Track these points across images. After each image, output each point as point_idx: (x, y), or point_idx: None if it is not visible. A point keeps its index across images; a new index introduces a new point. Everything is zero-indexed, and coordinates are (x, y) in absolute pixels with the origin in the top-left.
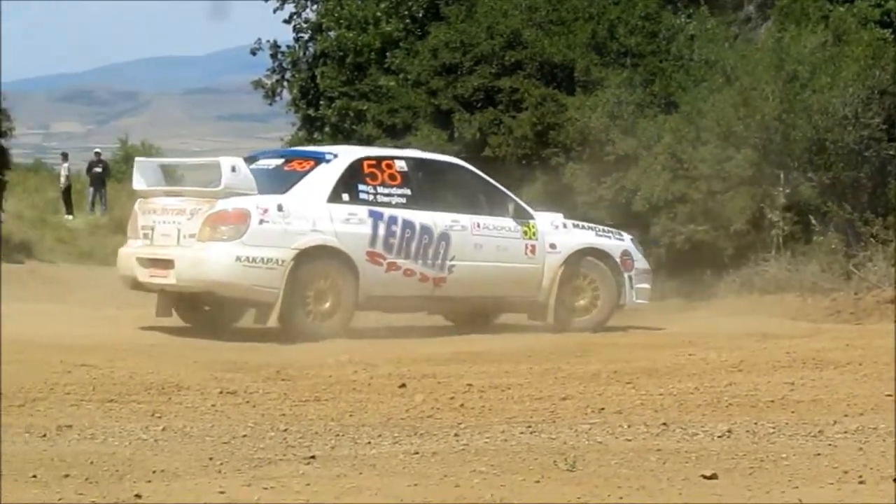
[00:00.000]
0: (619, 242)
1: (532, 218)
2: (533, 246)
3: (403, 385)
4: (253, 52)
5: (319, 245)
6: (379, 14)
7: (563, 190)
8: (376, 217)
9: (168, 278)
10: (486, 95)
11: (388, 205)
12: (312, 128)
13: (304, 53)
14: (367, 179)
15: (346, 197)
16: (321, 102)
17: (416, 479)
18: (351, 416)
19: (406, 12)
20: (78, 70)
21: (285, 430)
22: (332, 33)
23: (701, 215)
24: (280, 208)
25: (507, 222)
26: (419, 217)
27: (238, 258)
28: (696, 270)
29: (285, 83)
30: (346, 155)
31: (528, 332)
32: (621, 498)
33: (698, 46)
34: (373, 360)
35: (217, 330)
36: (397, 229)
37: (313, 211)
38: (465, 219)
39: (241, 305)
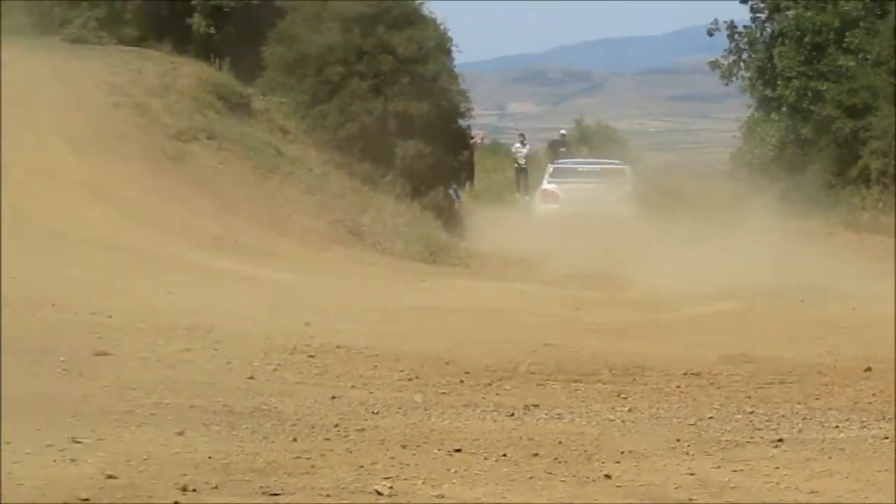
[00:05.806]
0: None
1: None
2: None
3: (869, 368)
4: (710, 33)
5: None
6: None
7: None
8: None
9: None
10: None
11: None
12: (769, 108)
13: (762, 33)
14: None
15: None
16: (778, 83)
17: (887, 465)
18: (817, 399)
19: None
20: (531, 52)
21: (751, 413)
22: (790, 13)
23: None
24: None
25: None
26: None
27: None
28: None
29: (742, 63)
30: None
31: None
32: None
33: None
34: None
35: None
36: None
37: None
38: None
39: None
